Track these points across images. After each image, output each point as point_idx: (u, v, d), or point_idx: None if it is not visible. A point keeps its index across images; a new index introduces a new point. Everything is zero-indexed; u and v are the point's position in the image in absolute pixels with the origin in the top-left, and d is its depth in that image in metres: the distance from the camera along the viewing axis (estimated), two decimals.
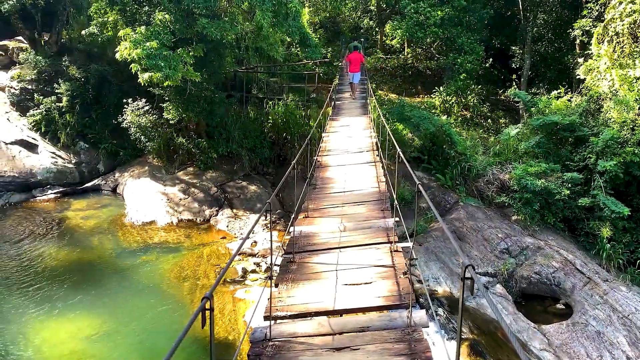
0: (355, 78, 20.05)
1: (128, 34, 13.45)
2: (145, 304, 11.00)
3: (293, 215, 7.38)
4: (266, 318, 4.84)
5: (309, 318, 5.09)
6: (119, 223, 15.37)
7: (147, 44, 13.11)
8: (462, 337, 10.22)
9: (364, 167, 11.31)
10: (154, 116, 17.85)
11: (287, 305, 5.21)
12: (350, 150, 12.96)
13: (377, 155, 11.92)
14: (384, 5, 31.16)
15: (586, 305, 11.03)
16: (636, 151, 13.06)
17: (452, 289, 11.71)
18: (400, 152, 6.79)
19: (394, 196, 7.27)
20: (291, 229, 7.41)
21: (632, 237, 12.98)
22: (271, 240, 5.18)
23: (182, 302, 11.05)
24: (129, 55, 12.99)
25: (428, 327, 4.86)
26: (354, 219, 7.93)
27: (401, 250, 6.38)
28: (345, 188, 9.95)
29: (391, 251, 6.43)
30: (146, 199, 16.30)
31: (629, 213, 12.50)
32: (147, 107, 17.86)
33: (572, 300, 11.46)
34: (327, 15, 33.21)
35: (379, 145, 12.16)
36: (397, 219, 6.98)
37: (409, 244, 6.11)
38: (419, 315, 4.87)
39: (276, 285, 5.65)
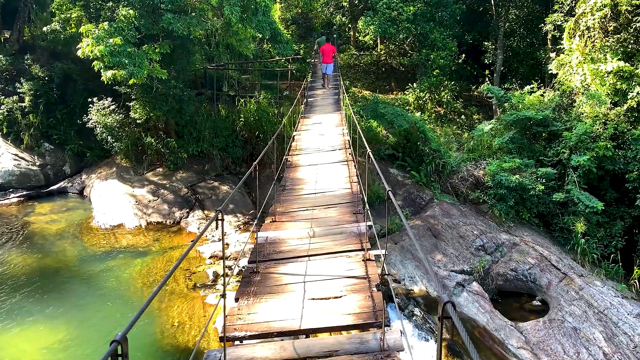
0: (328, 69, 20.32)
1: (90, 30, 12.91)
2: (111, 311, 10.56)
3: (256, 222, 6.86)
4: (221, 339, 4.37)
5: (271, 339, 4.70)
6: (86, 227, 14.83)
7: (111, 40, 12.62)
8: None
9: (336, 167, 10.97)
10: (121, 115, 17.31)
11: (247, 324, 4.72)
12: (322, 148, 12.62)
13: (349, 154, 11.62)
14: (356, 1, 30.94)
15: (562, 302, 10.97)
16: (609, 145, 13.08)
17: (428, 287, 11.53)
18: (370, 153, 6.36)
19: (366, 199, 6.85)
20: (257, 235, 6.94)
21: (606, 231, 12.99)
22: (223, 251, 4.71)
23: (150, 308, 10.62)
24: (91, 52, 12.47)
25: (403, 350, 4.46)
26: (325, 224, 7.53)
27: (374, 258, 5.98)
28: (316, 189, 9.56)
29: (364, 260, 6.02)
30: (114, 202, 15.77)
31: (603, 207, 12.50)
32: (113, 107, 17.30)
33: (549, 296, 11.39)
34: (299, 11, 32.85)
35: (352, 143, 11.85)
36: (370, 223, 6.56)
37: (381, 251, 5.73)
38: (393, 337, 4.48)
39: (236, 300, 5.19)
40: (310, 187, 9.77)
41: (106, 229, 14.63)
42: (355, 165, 10.19)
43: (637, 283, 11.85)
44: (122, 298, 11.09)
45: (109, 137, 17.18)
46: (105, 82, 13.19)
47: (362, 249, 6.30)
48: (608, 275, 11.99)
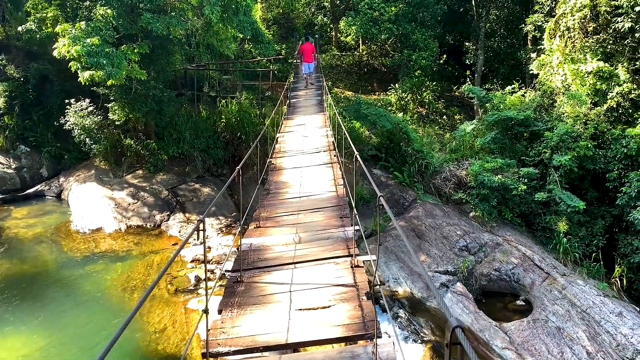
0: (309, 69, 20.58)
1: (66, 30, 12.60)
2: (91, 318, 10.31)
3: (239, 230, 6.60)
4: (204, 355, 4.16)
5: (257, 354, 4.47)
6: (64, 231, 14.51)
7: (88, 40, 12.32)
8: (425, 339, 10.01)
9: (321, 169, 10.80)
10: (99, 117, 16.99)
11: (231, 338, 4.46)
12: (306, 150, 12.46)
13: (334, 156, 11.48)
14: (338, 2, 30.88)
15: (545, 301, 11.01)
16: (589, 145, 13.19)
17: (412, 289, 11.50)
18: (358, 155, 6.19)
19: (353, 204, 6.65)
20: (240, 242, 6.67)
21: (587, 230, 13.09)
22: (205, 264, 4.45)
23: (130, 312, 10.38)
24: (68, 52, 12.16)
25: None
26: (311, 229, 7.31)
27: (363, 265, 5.77)
28: (301, 193, 9.35)
29: (352, 266, 5.81)
30: (93, 205, 15.45)
31: (584, 207, 12.59)
32: (91, 108, 16.98)
33: (532, 296, 11.42)
34: (280, 11, 32.66)
35: (336, 144, 11.73)
36: (357, 227, 6.36)
37: (371, 257, 5.55)
38: (386, 350, 4.29)
39: (219, 312, 4.95)
40: (295, 190, 9.55)
41: (85, 233, 14.33)
42: (340, 167, 10.06)
43: (618, 281, 11.95)
44: (103, 304, 10.85)
45: (87, 139, 16.86)
46: (83, 83, 12.91)
47: (350, 255, 6.11)
48: (590, 274, 12.07)
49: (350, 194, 7.32)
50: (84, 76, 12.49)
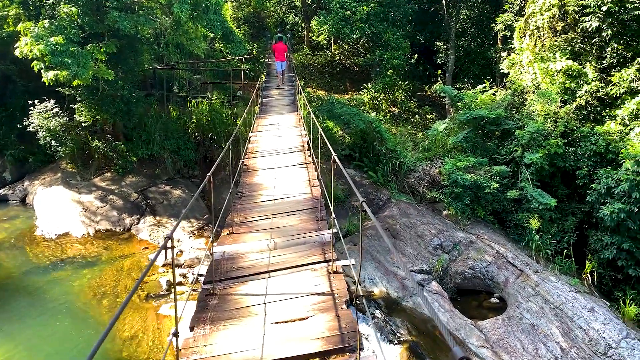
0: (281, 67, 20.52)
1: (28, 28, 12.15)
2: (59, 327, 9.96)
3: (211, 239, 6.25)
4: None
5: None
6: (29, 236, 14.02)
7: (52, 39, 11.91)
8: (401, 339, 9.95)
9: (296, 170, 10.54)
10: (65, 118, 16.49)
11: (204, 358, 4.24)
12: (280, 150, 12.24)
13: (309, 156, 11.29)
14: (309, 1, 30.76)
15: (519, 298, 11.09)
16: (559, 143, 13.36)
17: (388, 289, 11.43)
18: (336, 158, 5.95)
19: (331, 207, 6.39)
20: (212, 250, 6.29)
21: (558, 227, 13.26)
22: (174, 283, 4.20)
23: (100, 322, 10.07)
24: (30, 51, 11.73)
25: None
26: (286, 234, 7.05)
27: (341, 270, 5.56)
28: (275, 195, 9.06)
29: (329, 273, 5.56)
30: (59, 209, 14.97)
31: (556, 204, 12.73)
32: (56, 109, 16.46)
33: (506, 293, 11.50)
34: (251, 10, 32.37)
35: (311, 144, 11.53)
36: (335, 230, 6.12)
37: (350, 261, 5.37)
38: None
39: (191, 329, 4.67)
40: (269, 192, 9.26)
41: (51, 238, 13.87)
42: (315, 168, 9.88)
43: (589, 277, 12.13)
44: (70, 313, 10.48)
45: (52, 142, 16.33)
46: (47, 84, 12.49)
47: (328, 261, 5.86)
48: (561, 270, 12.23)
49: (328, 196, 7.09)
50: (48, 76, 12.07)
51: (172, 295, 10.62)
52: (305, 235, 6.86)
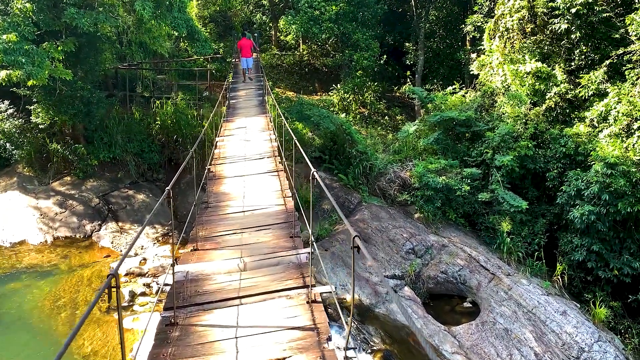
0: (248, 63, 20.64)
1: None
2: (13, 342, 9.35)
3: (173, 257, 5.49)
4: None
5: None
6: None
7: (4, 36, 11.27)
8: (374, 348, 9.68)
9: (266, 178, 9.95)
10: (21, 120, 15.69)
11: None
12: (248, 156, 11.65)
13: (279, 163, 10.72)
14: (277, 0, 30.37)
15: (492, 303, 10.96)
16: (529, 145, 13.35)
17: (360, 295, 11.15)
18: (316, 174, 5.41)
19: (309, 229, 5.84)
20: (174, 270, 5.39)
21: (529, 229, 13.24)
22: (121, 337, 3.54)
23: (58, 336, 9.49)
24: None
25: None
26: (258, 251, 6.42)
27: (320, 300, 4.95)
28: (244, 206, 8.40)
29: (308, 302, 4.99)
30: (15, 215, 14.18)
31: (527, 207, 12.70)
32: (11, 110, 15.65)
33: (479, 297, 11.37)
34: (217, 9, 31.70)
35: (282, 147, 11.02)
36: (311, 250, 5.52)
37: (329, 287, 4.82)
38: None
39: None
40: (238, 203, 8.60)
41: (5, 247, 13.11)
42: (287, 176, 9.37)
43: (560, 279, 12.13)
44: (28, 326, 9.86)
45: (7, 144, 15.52)
46: (0, 84, 11.80)
47: (306, 286, 5.26)
48: (532, 273, 12.20)
49: (303, 210, 6.51)
50: (0, 76, 11.39)
51: (135, 307, 10.11)
52: (279, 255, 6.26)
